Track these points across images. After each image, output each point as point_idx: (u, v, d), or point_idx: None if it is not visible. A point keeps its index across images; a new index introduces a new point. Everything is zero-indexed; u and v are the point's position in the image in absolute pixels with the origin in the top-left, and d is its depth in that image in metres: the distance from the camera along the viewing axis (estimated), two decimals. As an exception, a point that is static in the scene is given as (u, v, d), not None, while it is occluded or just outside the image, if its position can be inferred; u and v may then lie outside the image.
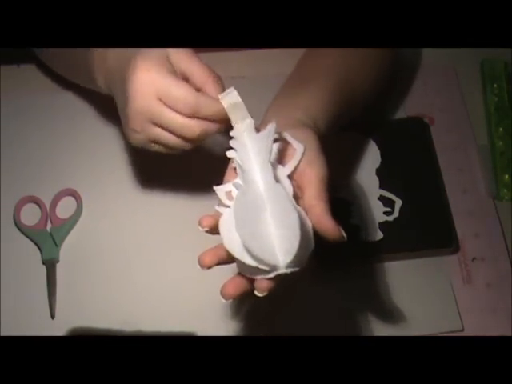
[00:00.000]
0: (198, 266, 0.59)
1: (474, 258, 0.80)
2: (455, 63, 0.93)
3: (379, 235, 0.79)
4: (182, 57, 0.71)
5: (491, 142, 0.88)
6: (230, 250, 0.56)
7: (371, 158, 0.84)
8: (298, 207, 0.58)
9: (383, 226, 0.80)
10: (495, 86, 0.91)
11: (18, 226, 0.81)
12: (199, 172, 0.81)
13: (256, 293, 0.58)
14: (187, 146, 0.70)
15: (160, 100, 0.67)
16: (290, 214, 0.56)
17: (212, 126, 0.68)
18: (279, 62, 0.90)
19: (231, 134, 0.66)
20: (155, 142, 0.70)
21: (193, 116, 0.67)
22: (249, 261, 0.55)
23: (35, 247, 0.80)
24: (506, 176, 0.85)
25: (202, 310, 0.76)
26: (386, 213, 0.81)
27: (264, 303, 0.77)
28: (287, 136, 0.63)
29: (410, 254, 0.79)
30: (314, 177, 0.62)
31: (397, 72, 0.91)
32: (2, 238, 0.80)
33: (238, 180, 0.61)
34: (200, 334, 0.75)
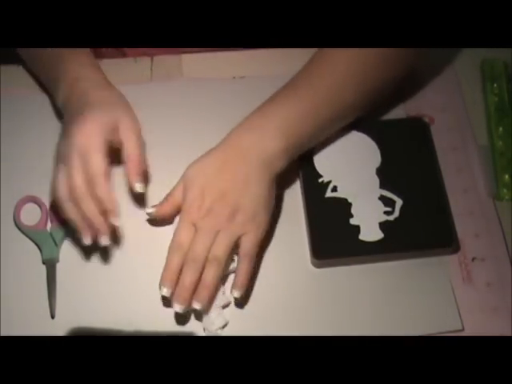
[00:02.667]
0: None
1: (474, 258, 0.80)
2: (455, 63, 0.93)
3: (379, 235, 0.79)
4: (126, 128, 0.77)
5: (491, 141, 0.88)
6: None
7: (371, 157, 0.84)
8: None
9: (384, 225, 0.80)
10: (495, 85, 0.91)
11: (18, 225, 0.81)
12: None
13: None
14: None
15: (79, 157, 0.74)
16: None
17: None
18: (279, 62, 0.90)
19: None
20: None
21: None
22: None
23: (35, 247, 0.80)
24: (506, 176, 0.84)
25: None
26: (386, 212, 0.81)
27: (264, 303, 0.77)
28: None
29: (410, 254, 0.79)
30: None
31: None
32: (2, 238, 0.80)
33: None
34: (200, 334, 0.75)
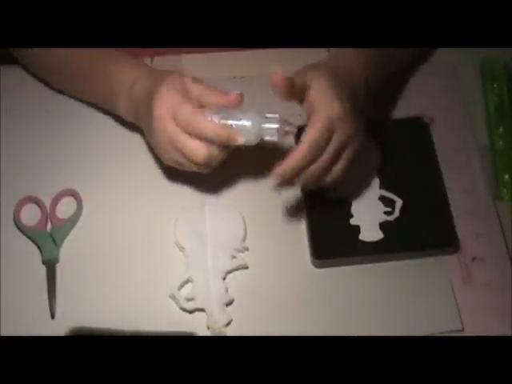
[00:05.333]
0: None
1: (473, 258, 0.80)
2: (455, 63, 0.93)
3: (379, 235, 0.79)
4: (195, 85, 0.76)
5: (491, 141, 0.88)
6: None
7: (371, 157, 0.84)
8: None
9: (384, 225, 0.80)
10: (495, 86, 0.91)
11: (18, 226, 0.81)
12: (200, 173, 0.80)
13: None
14: (202, 169, 0.75)
15: (174, 121, 0.72)
16: None
17: (215, 150, 0.73)
18: (279, 62, 0.90)
19: None
20: (178, 163, 0.75)
21: (198, 138, 0.72)
22: None
23: (35, 247, 0.80)
24: (506, 176, 0.84)
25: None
26: (386, 213, 0.81)
27: (264, 303, 0.77)
28: None
29: (410, 254, 0.79)
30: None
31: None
32: (2, 238, 0.80)
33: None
34: (200, 334, 0.75)
